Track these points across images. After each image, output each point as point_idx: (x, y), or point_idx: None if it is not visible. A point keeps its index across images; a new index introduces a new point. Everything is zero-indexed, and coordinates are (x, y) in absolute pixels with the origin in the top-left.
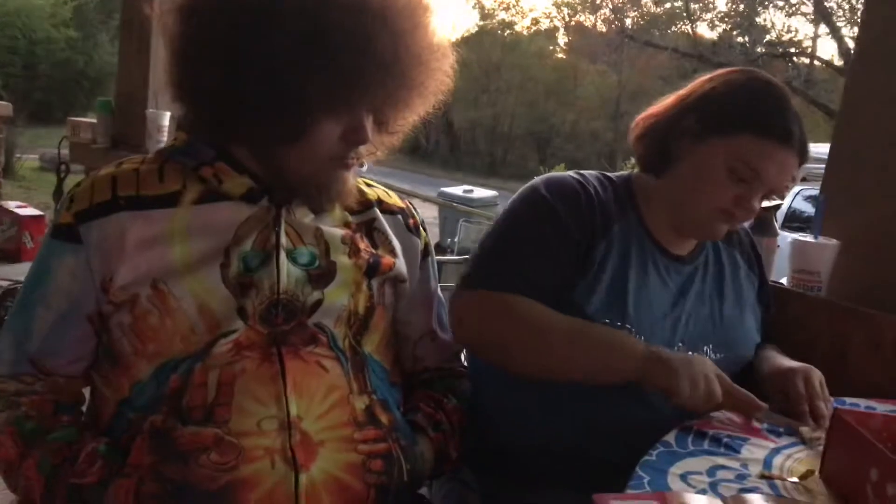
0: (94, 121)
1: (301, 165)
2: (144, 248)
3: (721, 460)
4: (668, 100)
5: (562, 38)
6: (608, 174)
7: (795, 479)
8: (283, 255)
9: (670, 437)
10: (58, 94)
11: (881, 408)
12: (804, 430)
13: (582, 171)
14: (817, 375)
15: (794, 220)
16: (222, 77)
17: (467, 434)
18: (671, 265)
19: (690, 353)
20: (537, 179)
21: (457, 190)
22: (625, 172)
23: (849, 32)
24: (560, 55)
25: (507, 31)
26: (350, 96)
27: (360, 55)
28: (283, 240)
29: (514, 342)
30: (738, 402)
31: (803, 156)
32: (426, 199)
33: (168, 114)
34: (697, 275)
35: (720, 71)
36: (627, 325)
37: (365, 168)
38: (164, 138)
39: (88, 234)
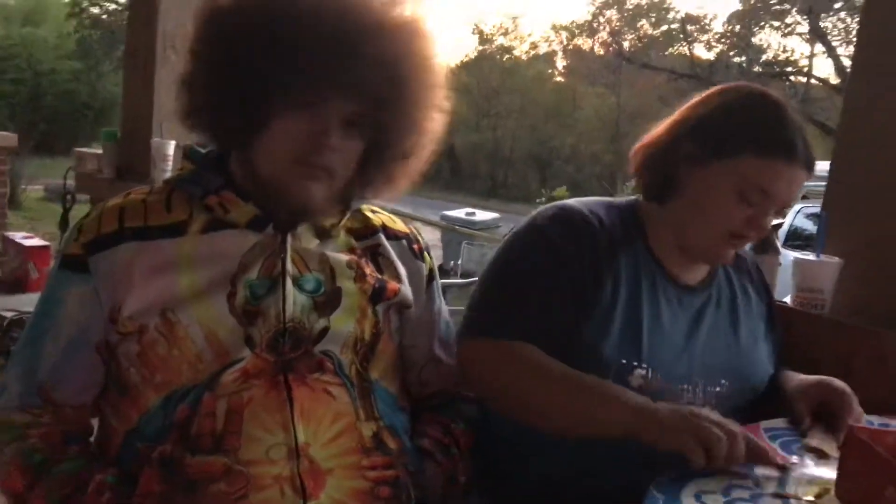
0: (100, 151)
1: (267, 163)
2: (152, 278)
3: (736, 479)
4: (663, 125)
5: (560, 62)
6: (613, 200)
7: (811, 498)
8: (289, 283)
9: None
10: (62, 125)
11: (894, 423)
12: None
13: (586, 200)
14: (849, 392)
15: (796, 238)
16: (194, 66)
17: (475, 458)
18: (683, 296)
19: (707, 388)
20: (539, 215)
21: (459, 213)
22: (631, 198)
23: (844, 51)
24: (559, 78)
25: (507, 56)
26: (311, 88)
27: (321, 47)
28: (290, 267)
29: (511, 391)
30: (751, 450)
31: (810, 167)
32: (428, 223)
33: (173, 143)
34: (710, 305)
35: (713, 90)
36: (643, 364)
37: (391, 205)
38: (170, 167)
39: (97, 265)
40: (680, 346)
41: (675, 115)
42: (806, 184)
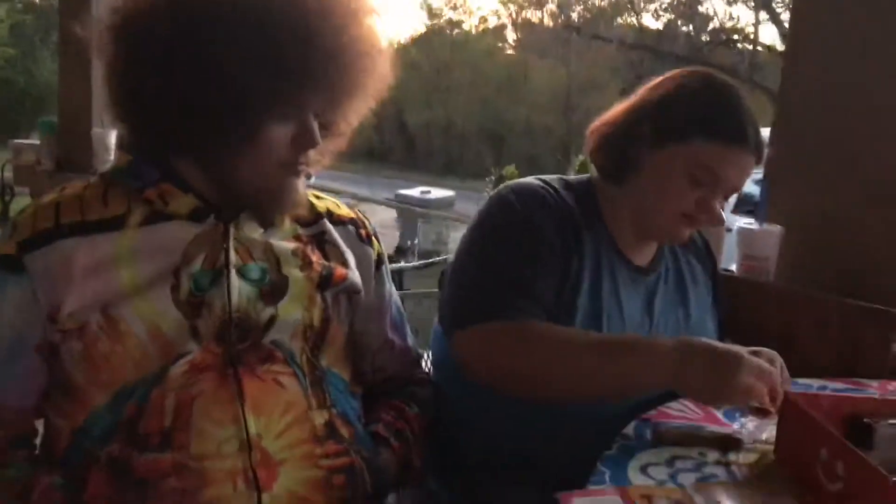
0: (38, 142)
1: (252, 175)
2: (91, 274)
3: (678, 450)
4: (620, 106)
5: (510, 35)
6: (569, 179)
7: (751, 462)
8: (233, 273)
9: (629, 430)
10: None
11: (832, 386)
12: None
13: (544, 178)
14: (778, 359)
15: (745, 204)
16: (163, 85)
17: (430, 441)
18: (636, 276)
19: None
20: (504, 190)
21: (414, 192)
22: (584, 177)
23: (787, 17)
24: (509, 52)
25: (456, 30)
26: (298, 95)
27: (305, 51)
28: (233, 257)
29: (537, 369)
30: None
31: (760, 154)
32: (382, 203)
33: (115, 132)
34: (660, 284)
35: (672, 73)
36: None
37: (312, 179)
38: (112, 157)
39: (33, 264)
40: (638, 327)
41: (633, 97)
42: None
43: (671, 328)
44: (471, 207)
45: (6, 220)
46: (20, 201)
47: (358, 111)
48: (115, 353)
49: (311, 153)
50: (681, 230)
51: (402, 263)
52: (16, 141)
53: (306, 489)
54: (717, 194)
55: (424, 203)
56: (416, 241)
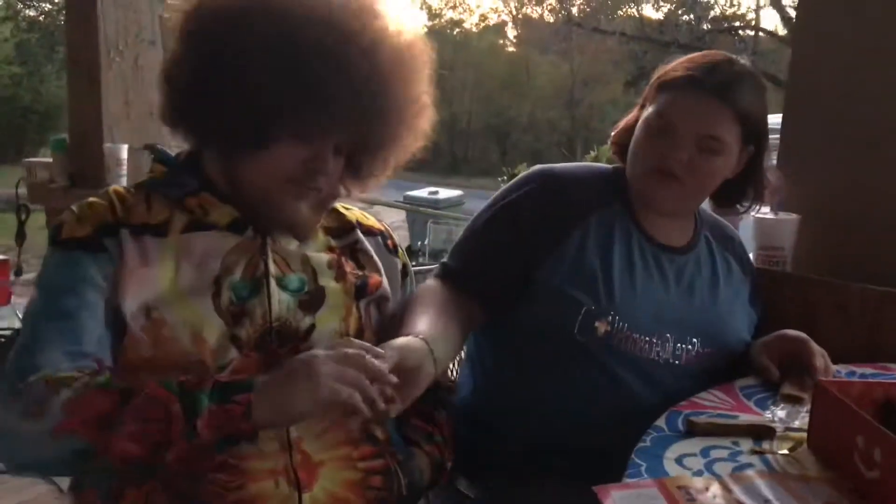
0: (50, 160)
1: (258, 179)
2: (140, 272)
3: (712, 440)
4: (636, 108)
5: (511, 32)
6: (600, 166)
7: (785, 452)
8: (272, 283)
9: (661, 422)
10: (6, 132)
11: (860, 371)
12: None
13: (570, 164)
14: (810, 342)
15: None
16: (198, 80)
17: (458, 441)
18: (660, 254)
19: (677, 344)
20: (527, 173)
21: (422, 193)
22: (620, 165)
23: (789, 1)
24: (511, 49)
25: (457, 30)
26: (317, 120)
27: (333, 81)
28: (272, 268)
29: None
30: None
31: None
32: (392, 206)
33: (126, 147)
34: (690, 266)
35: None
36: (612, 312)
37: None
38: (125, 172)
39: (111, 246)
40: (652, 301)
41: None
42: None
43: (694, 310)
44: (479, 205)
45: (23, 237)
46: (35, 218)
47: (399, 144)
48: (156, 357)
49: (325, 181)
50: (653, 184)
51: (413, 265)
52: (28, 160)
53: (345, 490)
54: (678, 141)
55: (433, 203)
56: (426, 242)
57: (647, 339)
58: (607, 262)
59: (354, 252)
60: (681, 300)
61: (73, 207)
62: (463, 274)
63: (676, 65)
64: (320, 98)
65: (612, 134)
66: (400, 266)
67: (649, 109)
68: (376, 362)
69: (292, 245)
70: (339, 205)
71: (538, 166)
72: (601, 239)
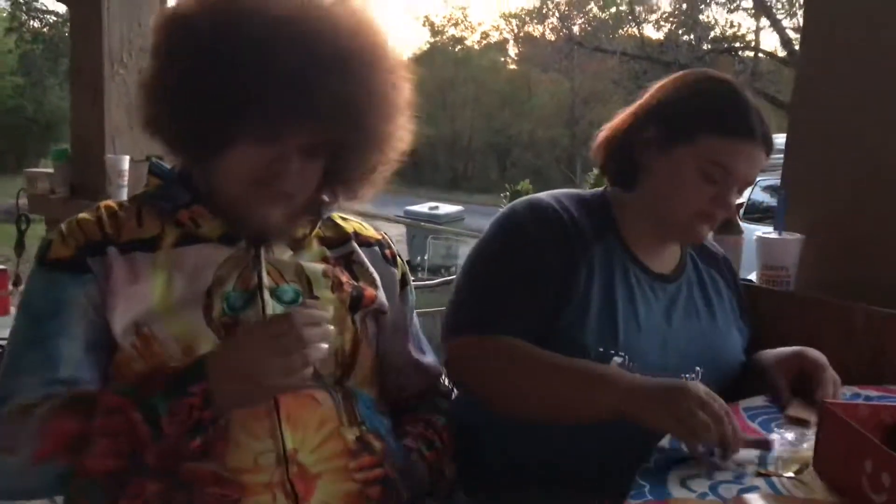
0: (51, 170)
1: (226, 183)
2: (128, 290)
3: (717, 461)
4: (624, 113)
5: (512, 50)
6: (582, 194)
7: (791, 474)
8: (266, 294)
9: (665, 442)
10: (9, 142)
11: (864, 393)
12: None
13: (556, 194)
14: (823, 357)
15: (754, 212)
16: (156, 73)
17: (458, 454)
18: (655, 284)
19: (682, 375)
20: (512, 209)
21: (422, 208)
22: (598, 190)
23: (789, 23)
24: (512, 66)
25: (459, 47)
26: (274, 121)
27: (279, 77)
28: (266, 279)
29: (502, 386)
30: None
31: (768, 146)
32: (391, 220)
33: (127, 158)
34: (682, 292)
35: (671, 77)
36: (620, 352)
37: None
38: (125, 183)
39: (96, 267)
40: (655, 334)
41: (636, 103)
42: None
43: (693, 337)
44: (479, 222)
45: (22, 247)
46: (36, 228)
47: (380, 146)
48: (147, 373)
49: (292, 184)
50: (698, 228)
51: (412, 280)
52: (30, 170)
53: (342, 502)
54: (731, 188)
55: (433, 219)
56: (426, 257)
57: (656, 374)
58: (611, 300)
59: (350, 263)
60: (682, 329)
61: (62, 226)
62: (500, 319)
63: (714, 97)
64: (271, 97)
65: (599, 138)
66: (398, 276)
67: (689, 146)
68: (313, 331)
69: (286, 255)
70: (336, 215)
71: (523, 202)
72: (604, 277)
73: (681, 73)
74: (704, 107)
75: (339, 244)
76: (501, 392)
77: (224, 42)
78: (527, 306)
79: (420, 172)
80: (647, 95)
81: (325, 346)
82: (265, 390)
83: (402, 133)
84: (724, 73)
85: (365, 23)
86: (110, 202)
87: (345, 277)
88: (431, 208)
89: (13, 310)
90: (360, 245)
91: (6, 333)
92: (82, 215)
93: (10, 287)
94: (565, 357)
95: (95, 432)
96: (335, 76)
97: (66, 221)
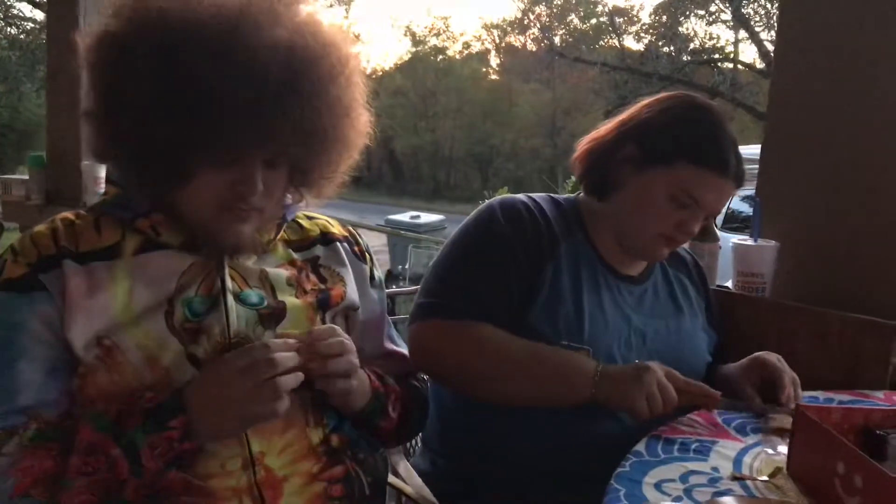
0: (27, 177)
1: (191, 210)
2: (87, 304)
3: (692, 465)
4: (608, 125)
5: (494, 60)
6: (556, 196)
7: (765, 478)
8: (230, 298)
9: (641, 447)
10: None
11: (838, 398)
12: (774, 416)
13: (532, 194)
14: (782, 362)
15: (733, 221)
16: (106, 121)
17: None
18: (622, 285)
19: (637, 360)
20: (489, 203)
21: (404, 217)
22: (571, 195)
23: (767, 36)
24: (494, 76)
25: (440, 57)
26: (234, 144)
27: (229, 100)
28: (229, 283)
29: (471, 369)
30: (694, 396)
31: (739, 182)
32: (373, 229)
33: (104, 165)
34: (648, 293)
35: (658, 97)
36: (585, 346)
37: (304, 205)
38: (102, 189)
39: (51, 283)
40: (620, 331)
41: (621, 116)
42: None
43: (660, 337)
44: None
45: None
46: (9, 236)
47: (340, 146)
48: (112, 383)
49: (259, 199)
50: (659, 249)
51: (394, 288)
52: (4, 176)
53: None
54: (698, 217)
55: (414, 228)
56: (406, 266)
57: None
58: (577, 297)
59: (316, 266)
60: (647, 328)
61: (14, 244)
62: (467, 306)
63: (696, 128)
64: (226, 129)
65: (581, 143)
66: (367, 272)
67: (664, 171)
68: (285, 355)
69: (250, 261)
70: (302, 214)
71: (497, 198)
72: (571, 273)
73: (668, 95)
74: (685, 135)
75: (306, 247)
76: (466, 376)
77: (167, 74)
78: (494, 297)
79: (402, 183)
80: (631, 111)
81: (300, 376)
82: (241, 421)
83: (362, 127)
84: (710, 102)
85: (305, 27)
86: (67, 213)
87: (310, 284)
88: (412, 217)
89: None
90: (327, 243)
91: None
92: (37, 229)
93: None
94: (535, 344)
95: (73, 470)
96: (287, 97)
97: (20, 238)
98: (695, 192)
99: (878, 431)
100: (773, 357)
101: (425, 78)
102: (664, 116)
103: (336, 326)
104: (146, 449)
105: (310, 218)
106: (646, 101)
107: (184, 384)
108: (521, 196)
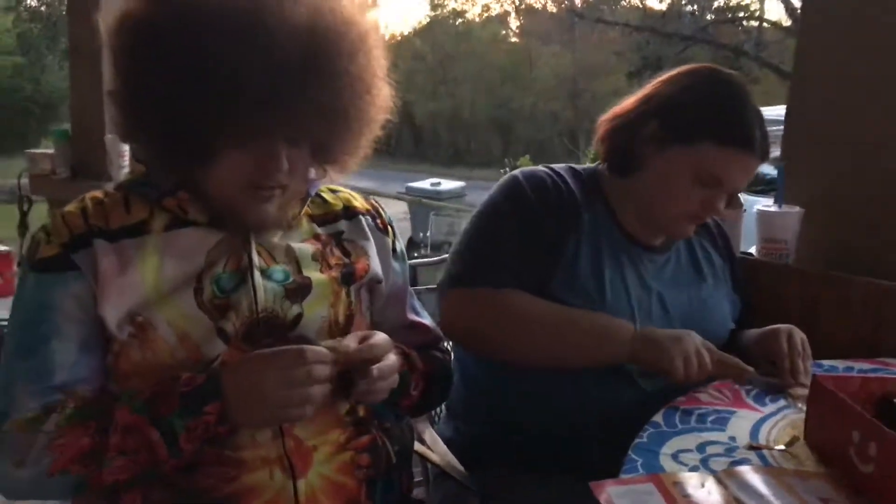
0: (52, 151)
1: (216, 189)
2: (119, 281)
3: (709, 435)
4: (629, 100)
5: (513, 23)
6: (576, 167)
7: (782, 447)
8: (257, 274)
9: (658, 418)
10: (8, 122)
11: (858, 367)
12: (793, 390)
13: (552, 165)
14: (799, 334)
15: (758, 184)
16: (132, 101)
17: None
18: (644, 254)
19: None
20: (515, 175)
21: (424, 184)
22: (591, 166)
23: None
24: (513, 39)
25: (459, 20)
26: (256, 124)
27: (262, 83)
28: (256, 259)
29: (502, 335)
30: (728, 368)
31: (764, 156)
32: (393, 197)
33: None
34: (671, 263)
35: (680, 70)
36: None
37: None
38: (126, 163)
39: (83, 262)
40: (641, 301)
41: (643, 90)
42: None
43: (682, 306)
44: (481, 197)
45: (25, 227)
46: (38, 209)
47: (363, 121)
48: (146, 360)
49: (285, 177)
50: (684, 228)
51: (416, 259)
52: (31, 151)
53: (337, 473)
54: (721, 195)
55: (435, 195)
56: (428, 234)
57: None
58: (598, 267)
59: (340, 240)
60: (669, 297)
61: (47, 224)
62: (496, 274)
63: (720, 104)
64: (249, 109)
65: (602, 119)
66: (391, 244)
67: (687, 149)
68: (322, 368)
69: (276, 237)
70: (325, 188)
71: (520, 170)
72: (593, 244)
73: (690, 68)
74: (708, 114)
75: (330, 221)
76: (497, 342)
77: (189, 56)
78: (522, 265)
79: (422, 148)
80: (653, 86)
81: (329, 386)
82: (269, 419)
83: (383, 102)
84: (732, 75)
85: (324, 4)
86: (96, 192)
87: (334, 258)
88: (433, 184)
89: None
90: (351, 217)
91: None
92: (68, 208)
93: (15, 268)
94: (566, 307)
95: (112, 449)
96: (308, 78)
97: (51, 216)
98: (719, 171)
99: (894, 400)
100: (783, 334)
101: (444, 42)
102: (686, 94)
103: (381, 342)
104: (183, 433)
105: (332, 191)
106: (666, 75)
107: (216, 361)
108: (544, 168)
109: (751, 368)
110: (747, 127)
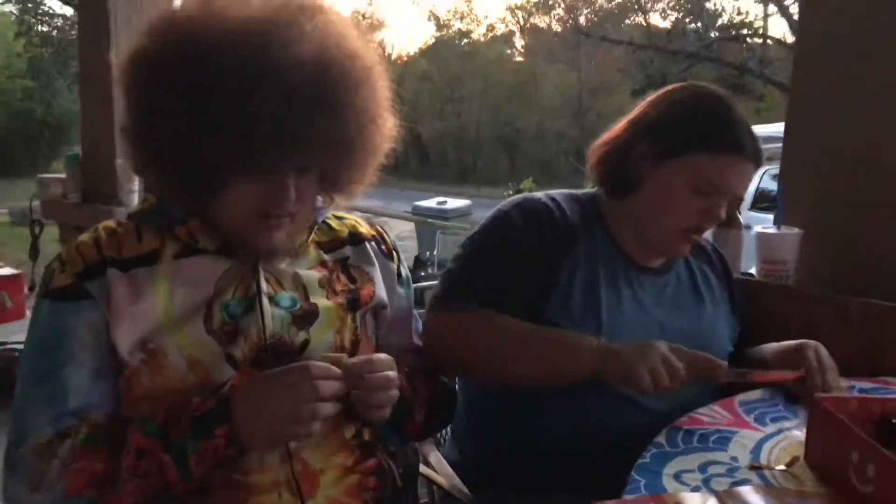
0: (63, 175)
1: (226, 218)
2: (132, 310)
3: (711, 455)
4: (618, 125)
5: (519, 42)
6: (575, 192)
7: (783, 467)
8: (265, 301)
9: (661, 438)
10: (20, 145)
11: (859, 386)
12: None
13: (552, 192)
14: (824, 350)
15: (763, 200)
16: (143, 133)
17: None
18: (644, 277)
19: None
20: (504, 203)
21: (430, 203)
22: (590, 191)
23: (797, 9)
24: (518, 58)
25: (465, 40)
26: (267, 157)
27: (253, 122)
28: (264, 286)
29: (472, 355)
30: (701, 370)
31: (758, 161)
32: (400, 217)
33: None
34: (670, 286)
35: (666, 89)
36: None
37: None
38: (136, 188)
39: (97, 290)
40: (640, 324)
41: (630, 115)
42: (770, 146)
43: (680, 328)
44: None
45: (36, 252)
46: (49, 232)
47: (368, 149)
48: (156, 385)
49: (294, 205)
50: (682, 246)
51: (423, 277)
52: (42, 175)
53: (344, 496)
54: (720, 202)
55: (442, 214)
56: (434, 253)
57: None
58: (594, 292)
59: (346, 266)
60: (669, 320)
61: (62, 253)
62: (469, 294)
63: (706, 115)
64: (260, 142)
65: (593, 147)
66: (395, 269)
67: (680, 163)
68: (329, 384)
69: (283, 264)
70: (331, 215)
71: (517, 196)
72: (589, 269)
73: (674, 87)
74: (695, 125)
75: (336, 248)
76: (471, 361)
77: (199, 92)
78: (500, 288)
79: (429, 168)
80: (639, 109)
81: (338, 405)
82: (277, 437)
83: (388, 132)
84: (716, 89)
85: (329, 39)
86: (109, 222)
87: (340, 285)
88: (439, 203)
89: (29, 313)
90: (356, 243)
91: (24, 337)
92: (82, 238)
93: (26, 291)
94: (535, 325)
95: (125, 473)
96: (315, 110)
97: (66, 247)
98: (713, 178)
99: (893, 420)
100: (810, 349)
101: (450, 62)
102: (673, 110)
103: (382, 358)
104: (194, 455)
105: (338, 218)
106: (652, 96)
107: (225, 386)
108: (540, 195)
109: (722, 362)
110: (734, 132)
